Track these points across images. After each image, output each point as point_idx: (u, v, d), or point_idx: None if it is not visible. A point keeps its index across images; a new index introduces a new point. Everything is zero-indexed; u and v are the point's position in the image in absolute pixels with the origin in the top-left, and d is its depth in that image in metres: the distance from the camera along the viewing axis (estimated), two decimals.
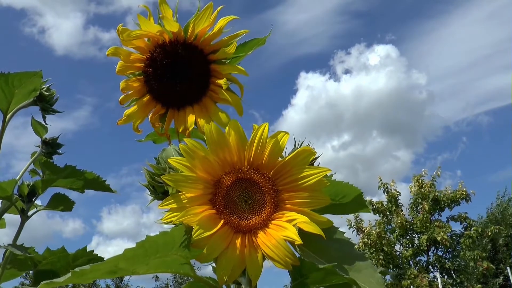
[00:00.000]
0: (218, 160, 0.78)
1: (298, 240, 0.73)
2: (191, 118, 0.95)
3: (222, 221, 0.77)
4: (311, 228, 0.75)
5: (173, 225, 0.84)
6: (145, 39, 0.90)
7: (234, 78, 0.94)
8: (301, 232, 0.75)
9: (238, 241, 0.77)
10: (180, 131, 0.95)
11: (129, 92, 0.95)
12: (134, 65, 0.93)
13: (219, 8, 0.89)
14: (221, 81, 0.93)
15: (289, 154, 0.80)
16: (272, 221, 0.78)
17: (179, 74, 0.93)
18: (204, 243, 0.75)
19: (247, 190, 0.80)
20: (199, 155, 0.77)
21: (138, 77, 0.95)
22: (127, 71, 0.93)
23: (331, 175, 0.96)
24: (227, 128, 0.78)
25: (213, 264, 0.98)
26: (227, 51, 0.91)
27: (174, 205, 0.76)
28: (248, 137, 0.79)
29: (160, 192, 0.87)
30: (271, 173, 0.80)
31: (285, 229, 0.76)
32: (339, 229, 0.84)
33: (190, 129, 0.94)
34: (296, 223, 0.76)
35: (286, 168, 0.79)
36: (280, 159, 0.80)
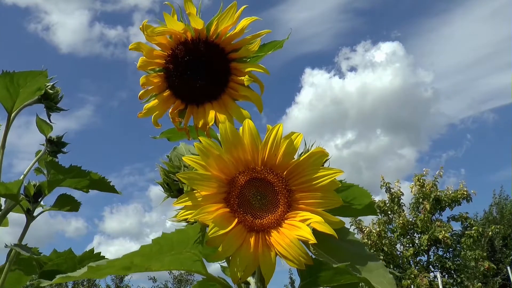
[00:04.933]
0: (232, 159, 0.79)
1: (313, 240, 0.74)
2: (211, 114, 0.96)
3: (236, 220, 0.78)
4: (325, 228, 0.76)
5: (184, 224, 0.85)
6: (167, 36, 0.91)
7: (255, 76, 0.96)
8: (313, 232, 0.76)
9: (252, 240, 0.77)
10: (199, 126, 0.96)
11: (149, 88, 0.96)
12: (155, 61, 0.94)
13: (242, 7, 0.90)
14: (243, 78, 0.94)
15: (301, 155, 0.81)
16: (286, 221, 0.79)
17: (199, 72, 0.95)
18: (219, 241, 0.75)
19: (261, 189, 0.80)
20: (214, 153, 0.78)
21: (158, 73, 0.96)
22: (148, 66, 0.94)
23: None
24: (241, 127, 0.79)
25: (221, 263, 0.99)
26: (250, 48, 0.93)
27: (188, 203, 0.77)
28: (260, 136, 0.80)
29: (174, 189, 0.88)
30: (285, 173, 0.80)
31: (299, 228, 0.76)
32: (350, 230, 0.85)
33: (211, 124, 0.95)
34: (310, 223, 0.76)
35: (299, 168, 0.80)
36: (293, 159, 0.80)
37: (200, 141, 0.78)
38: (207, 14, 0.92)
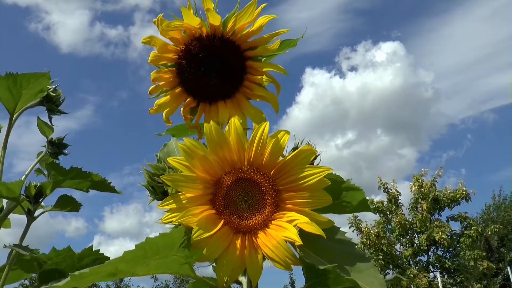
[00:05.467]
0: (218, 160, 0.77)
1: (298, 241, 0.72)
2: (224, 113, 0.94)
3: (222, 222, 0.77)
4: (312, 228, 0.74)
5: (175, 225, 0.84)
6: (181, 31, 0.90)
7: (272, 76, 0.94)
8: (302, 233, 0.74)
9: (238, 242, 0.76)
10: None
11: (160, 83, 0.95)
12: (167, 56, 0.92)
13: (262, 5, 0.88)
14: (260, 78, 0.93)
15: (289, 153, 0.79)
16: (273, 222, 0.77)
17: (213, 68, 0.93)
18: (204, 244, 0.74)
19: (247, 190, 0.79)
20: (199, 154, 0.76)
21: (170, 68, 0.94)
22: (160, 61, 0.93)
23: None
24: (227, 127, 0.78)
25: (214, 264, 0.98)
26: (270, 48, 0.91)
27: (173, 206, 0.76)
28: (249, 136, 0.78)
29: (159, 192, 0.87)
30: (272, 172, 0.79)
31: (285, 229, 0.75)
32: (340, 229, 0.83)
33: (224, 124, 0.93)
34: (296, 224, 0.75)
35: (286, 167, 0.78)
36: (280, 158, 0.79)
37: (185, 142, 0.76)
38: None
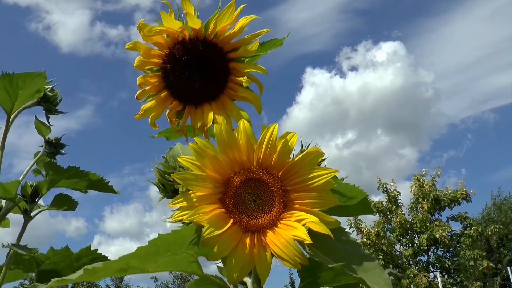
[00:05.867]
0: (227, 160, 0.79)
1: (308, 240, 0.74)
2: (209, 115, 0.96)
3: (231, 220, 0.78)
4: (320, 228, 0.76)
5: (181, 224, 0.85)
6: (164, 35, 0.91)
7: (254, 77, 0.96)
8: (309, 232, 0.76)
9: (247, 240, 0.77)
10: (197, 127, 0.96)
11: (146, 88, 0.96)
12: (152, 61, 0.94)
13: (241, 6, 0.90)
14: (242, 79, 0.94)
15: (297, 155, 0.81)
16: (281, 221, 0.79)
17: (197, 71, 0.94)
18: (214, 242, 0.75)
19: (256, 189, 0.80)
20: (209, 154, 0.78)
21: (156, 72, 0.96)
22: (146, 66, 0.94)
23: (342, 178, 0.97)
24: (236, 128, 0.79)
25: (218, 264, 0.99)
26: (250, 49, 0.92)
27: (184, 204, 0.77)
28: (257, 136, 0.80)
29: (170, 190, 0.88)
30: (280, 173, 0.80)
31: (294, 228, 0.76)
32: (346, 230, 0.85)
33: (209, 125, 0.95)
34: (305, 223, 0.76)
35: (294, 168, 0.80)
36: (288, 159, 0.80)
37: (196, 142, 0.78)
38: (208, 13, 0.91)
